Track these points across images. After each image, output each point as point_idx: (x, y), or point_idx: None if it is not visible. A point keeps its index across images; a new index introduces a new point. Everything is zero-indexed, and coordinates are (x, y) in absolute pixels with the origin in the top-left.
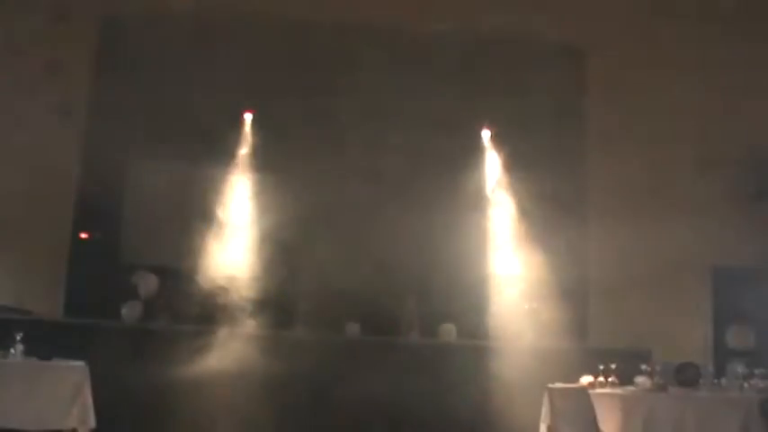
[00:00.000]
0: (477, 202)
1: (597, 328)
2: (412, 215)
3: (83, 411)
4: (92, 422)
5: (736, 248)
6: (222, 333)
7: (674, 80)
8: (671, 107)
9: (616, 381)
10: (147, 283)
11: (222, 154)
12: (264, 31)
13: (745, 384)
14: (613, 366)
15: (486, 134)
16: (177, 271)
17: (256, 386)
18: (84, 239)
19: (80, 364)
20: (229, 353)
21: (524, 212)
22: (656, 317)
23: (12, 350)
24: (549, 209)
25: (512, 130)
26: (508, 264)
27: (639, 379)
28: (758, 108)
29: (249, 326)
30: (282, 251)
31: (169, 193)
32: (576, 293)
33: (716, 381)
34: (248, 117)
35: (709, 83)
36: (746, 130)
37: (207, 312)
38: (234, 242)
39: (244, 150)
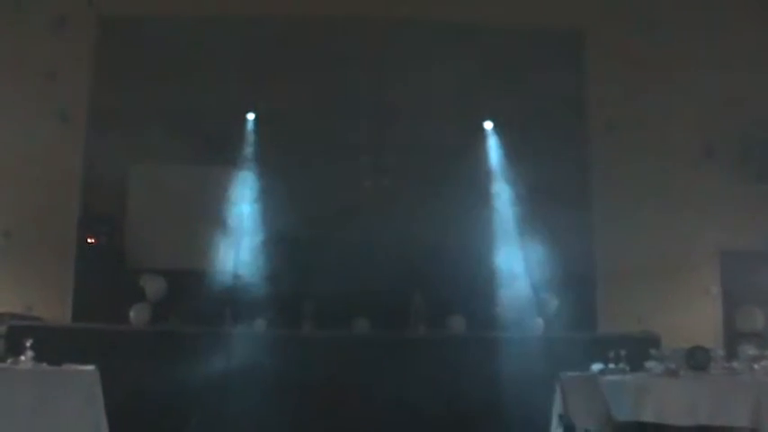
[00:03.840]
0: (483, 193)
1: (606, 315)
2: (417, 208)
3: (95, 416)
4: (104, 426)
5: (743, 232)
6: (231, 334)
7: (676, 66)
8: (674, 93)
9: (627, 367)
10: (155, 286)
11: (226, 154)
12: (264, 30)
13: (756, 366)
14: (623, 353)
15: (489, 125)
16: (184, 273)
17: (267, 386)
18: (91, 244)
19: (91, 368)
20: (239, 353)
21: (530, 202)
22: (665, 302)
23: (22, 357)
24: (555, 198)
25: (515, 120)
26: (515, 254)
27: (650, 364)
28: (762, 91)
29: (258, 326)
30: (289, 250)
31: (174, 195)
32: (584, 281)
33: (727, 364)
34: (251, 117)
35: (712, 68)
36: (751, 113)
37: (215, 313)
38: (240, 242)
39: (247, 150)
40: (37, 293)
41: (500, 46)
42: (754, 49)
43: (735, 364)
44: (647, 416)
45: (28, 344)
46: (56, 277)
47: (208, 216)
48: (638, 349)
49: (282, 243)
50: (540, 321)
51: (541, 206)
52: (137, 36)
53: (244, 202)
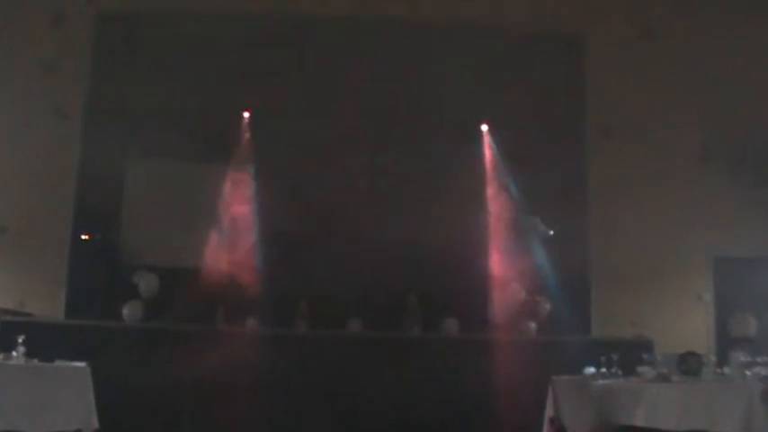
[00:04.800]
0: (478, 195)
1: (599, 319)
2: (412, 210)
3: (86, 412)
4: (95, 423)
5: (737, 238)
6: (224, 332)
7: (674, 71)
8: (671, 97)
9: (619, 371)
10: (148, 283)
11: (222, 153)
12: (262, 29)
13: (748, 372)
14: (616, 357)
15: (484, 128)
16: (178, 270)
17: (259, 385)
18: (85, 240)
19: (82, 365)
20: (231, 352)
21: (525, 204)
22: (659, 307)
23: (14, 353)
24: (550, 201)
25: (511, 123)
26: (509, 257)
27: (642, 369)
28: (759, 96)
29: (251, 324)
30: (283, 249)
31: (169, 193)
32: (578, 285)
33: (719, 370)
34: (247, 115)
35: (709, 72)
36: (747, 118)
37: (209, 312)
38: (235, 241)
39: (243, 149)
40: (30, 289)
41: (498, 48)
42: (751, 55)
43: (727, 370)
44: (639, 420)
45: (20, 340)
46: (49, 273)
47: (203, 214)
48: (630, 354)
49: (277, 242)
50: (533, 324)
51: (537, 209)
52: (134, 33)
53: (239, 201)
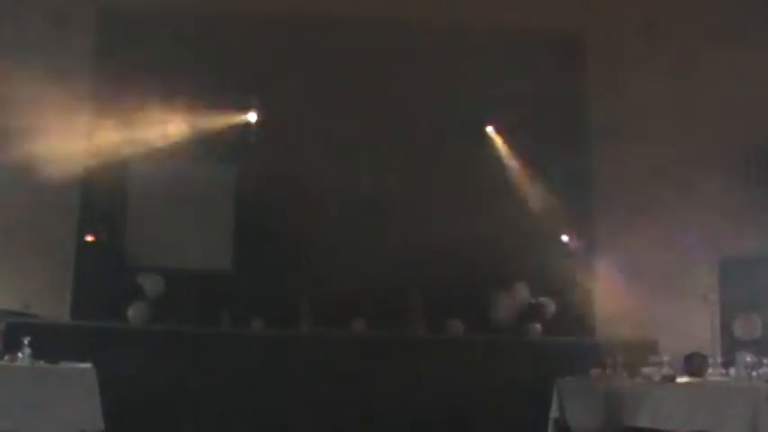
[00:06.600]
0: (482, 196)
1: (604, 320)
2: (416, 209)
3: (91, 414)
4: (100, 424)
5: (742, 238)
6: (229, 333)
7: (676, 70)
8: (674, 97)
9: (624, 372)
10: (153, 285)
11: (226, 153)
12: (265, 29)
13: (754, 373)
14: (621, 358)
15: (490, 128)
16: (183, 271)
17: (263, 385)
18: (90, 242)
19: (88, 366)
20: (236, 352)
21: (530, 205)
22: (663, 308)
23: (19, 354)
24: (555, 201)
25: (514, 124)
26: (513, 258)
27: (648, 370)
28: (762, 95)
29: (255, 325)
30: (287, 249)
31: (174, 193)
32: (582, 286)
33: (724, 371)
34: (251, 116)
35: (712, 72)
36: (751, 116)
37: (213, 313)
38: (239, 241)
39: (247, 149)
40: (36, 290)
41: (500, 49)
42: (754, 53)
43: (732, 371)
44: (644, 421)
45: (26, 341)
46: (55, 274)
47: (207, 215)
48: (635, 355)
49: (281, 243)
50: (538, 325)
51: (540, 210)
52: (138, 33)
53: (243, 202)
